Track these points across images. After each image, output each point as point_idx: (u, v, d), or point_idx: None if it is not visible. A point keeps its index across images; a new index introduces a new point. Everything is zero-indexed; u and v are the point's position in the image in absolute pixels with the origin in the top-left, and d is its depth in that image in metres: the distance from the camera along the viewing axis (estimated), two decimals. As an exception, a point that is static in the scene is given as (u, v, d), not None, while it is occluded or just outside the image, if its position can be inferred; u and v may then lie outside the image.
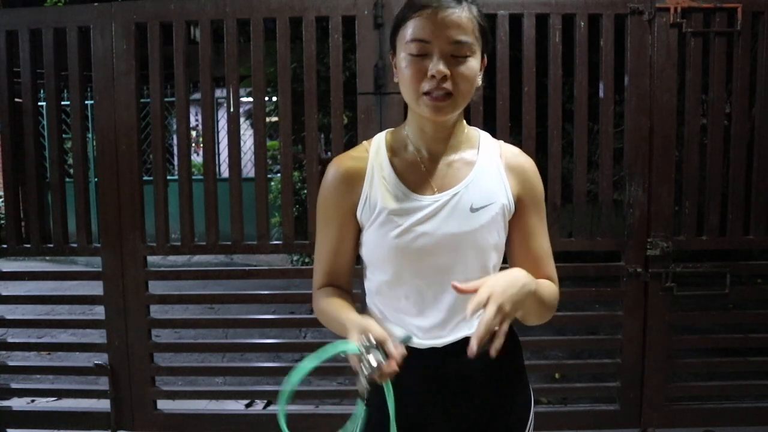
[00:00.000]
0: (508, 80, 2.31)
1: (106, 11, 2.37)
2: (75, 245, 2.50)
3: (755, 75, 2.34)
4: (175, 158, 2.61)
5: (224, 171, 7.23)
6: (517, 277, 0.98)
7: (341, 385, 2.99)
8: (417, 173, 1.10)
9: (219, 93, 4.16)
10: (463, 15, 1.00)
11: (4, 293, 2.58)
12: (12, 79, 2.47)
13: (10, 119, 2.48)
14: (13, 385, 2.70)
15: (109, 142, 2.41)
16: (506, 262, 1.17)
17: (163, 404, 2.57)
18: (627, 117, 2.33)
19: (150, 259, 2.53)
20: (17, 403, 2.73)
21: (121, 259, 2.45)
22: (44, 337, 3.81)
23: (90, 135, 5.35)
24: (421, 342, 1.09)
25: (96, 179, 2.75)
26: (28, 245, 2.53)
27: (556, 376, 3.29)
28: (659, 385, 2.41)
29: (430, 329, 1.09)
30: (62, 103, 2.57)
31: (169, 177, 2.53)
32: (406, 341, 0.98)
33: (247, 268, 2.50)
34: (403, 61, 1.03)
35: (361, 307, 1.20)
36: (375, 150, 1.12)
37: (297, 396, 2.69)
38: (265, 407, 2.83)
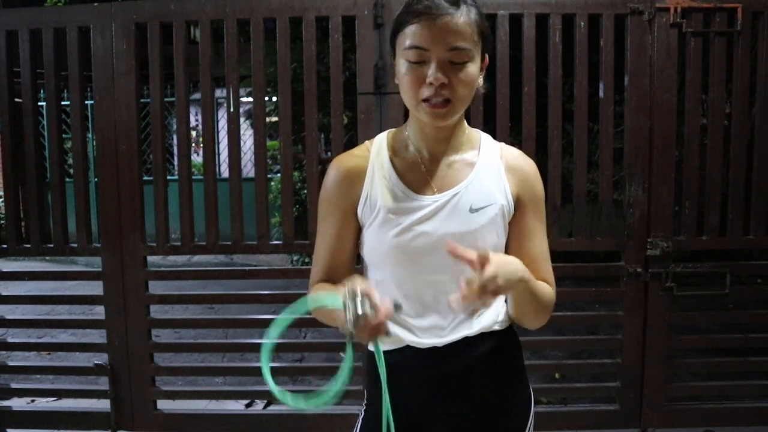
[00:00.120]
0: (508, 80, 2.31)
1: (106, 11, 2.37)
2: (75, 245, 2.50)
3: (755, 75, 2.34)
4: (175, 158, 2.61)
5: (224, 171, 7.23)
6: (513, 260, 1.00)
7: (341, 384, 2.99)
8: (417, 173, 1.10)
9: (219, 93, 4.16)
10: (460, 20, 0.99)
11: (4, 293, 2.58)
12: (12, 79, 2.47)
13: (10, 119, 2.48)
14: (13, 385, 2.70)
15: (109, 142, 2.41)
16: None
17: (163, 404, 2.57)
18: (627, 117, 2.33)
19: (150, 259, 2.53)
20: (17, 403, 2.73)
21: (121, 259, 2.45)
22: (44, 337, 3.81)
23: (90, 135, 5.35)
24: (420, 341, 1.10)
25: (96, 179, 2.75)
26: (28, 245, 2.53)
27: (556, 376, 3.29)
28: (659, 385, 2.41)
29: (430, 329, 1.09)
30: (62, 103, 2.57)
31: (169, 177, 2.53)
32: (396, 307, 0.97)
33: (247, 268, 2.50)
34: (402, 66, 1.03)
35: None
36: (376, 149, 1.13)
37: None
38: (265, 407, 2.83)
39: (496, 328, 1.13)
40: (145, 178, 2.51)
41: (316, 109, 2.37)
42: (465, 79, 1.01)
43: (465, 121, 1.14)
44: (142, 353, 2.48)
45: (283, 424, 2.49)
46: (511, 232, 1.13)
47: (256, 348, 2.59)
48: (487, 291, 0.90)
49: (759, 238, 2.38)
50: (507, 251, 1.16)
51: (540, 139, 2.33)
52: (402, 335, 1.10)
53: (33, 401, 2.80)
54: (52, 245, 2.52)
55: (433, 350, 1.10)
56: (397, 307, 0.98)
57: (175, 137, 2.51)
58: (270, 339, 0.94)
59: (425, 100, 1.01)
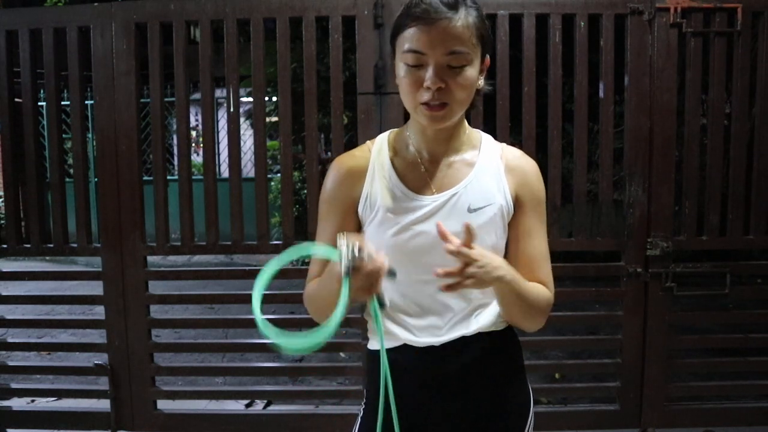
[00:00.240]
0: (508, 80, 2.31)
1: (106, 11, 2.37)
2: (75, 245, 2.50)
3: (755, 75, 2.34)
4: (175, 158, 2.61)
5: (224, 171, 7.23)
6: (499, 259, 1.01)
7: (341, 385, 3.00)
8: (417, 173, 1.10)
9: (219, 93, 4.16)
10: (458, 24, 0.99)
11: (4, 293, 2.58)
12: (12, 79, 2.47)
13: (10, 119, 2.48)
14: (13, 385, 2.70)
15: (109, 142, 2.41)
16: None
17: (163, 404, 2.57)
18: (627, 117, 2.33)
19: (150, 259, 2.53)
20: (17, 403, 2.73)
21: (121, 259, 2.45)
22: (44, 337, 3.81)
23: (90, 135, 5.36)
24: (417, 340, 1.10)
25: (96, 179, 2.75)
26: (28, 245, 2.53)
27: (556, 376, 3.29)
28: (659, 385, 2.41)
29: (427, 328, 1.10)
30: (62, 103, 2.57)
31: (169, 177, 2.53)
32: (391, 273, 0.96)
33: (247, 268, 2.50)
34: (400, 69, 1.04)
35: (361, 307, 1.20)
36: (377, 149, 1.13)
37: (297, 396, 2.69)
38: (265, 407, 2.83)
39: (495, 328, 1.13)
40: (145, 178, 2.51)
41: (316, 109, 2.37)
42: (462, 82, 1.01)
43: (466, 122, 1.14)
44: (142, 353, 2.48)
45: (283, 424, 2.49)
46: (510, 232, 1.13)
47: (256, 348, 2.60)
48: (466, 272, 0.92)
49: (759, 238, 2.38)
50: (506, 252, 1.16)
51: (540, 139, 2.33)
52: (399, 334, 1.11)
53: (33, 401, 2.80)
54: (52, 245, 2.52)
55: (431, 349, 1.10)
56: (392, 273, 0.96)
57: (175, 137, 2.51)
58: (261, 280, 0.93)
59: (423, 104, 1.02)
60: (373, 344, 1.17)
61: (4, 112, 2.46)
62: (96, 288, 2.50)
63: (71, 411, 2.58)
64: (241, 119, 2.90)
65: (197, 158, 7.14)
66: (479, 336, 1.11)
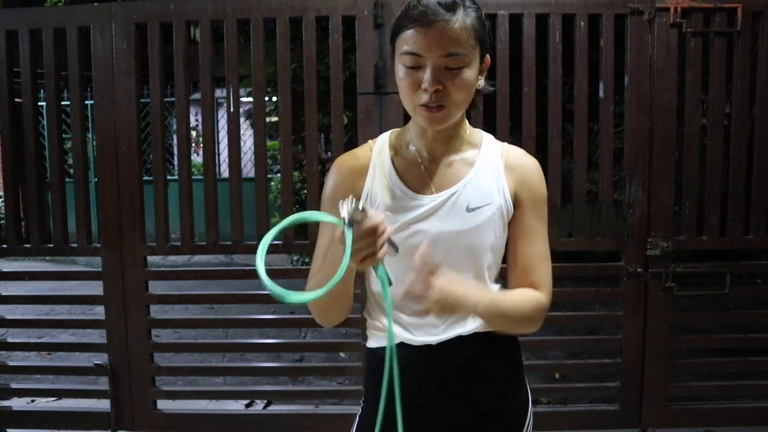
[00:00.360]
0: (508, 80, 2.31)
1: (106, 11, 2.37)
2: (75, 245, 2.50)
3: (755, 75, 2.34)
4: (175, 158, 2.61)
5: (224, 171, 7.23)
6: (466, 289, 1.00)
7: (341, 385, 3.00)
8: (417, 173, 1.11)
9: (219, 93, 4.16)
10: (456, 26, 0.98)
11: (4, 293, 2.58)
12: (12, 79, 2.47)
13: (10, 119, 2.48)
14: (13, 385, 2.70)
15: (109, 142, 2.41)
16: (506, 263, 1.16)
17: (163, 404, 2.57)
18: (627, 117, 2.33)
19: (150, 259, 2.53)
20: (17, 403, 2.73)
21: (121, 259, 2.45)
22: (44, 337, 3.82)
23: (90, 135, 5.36)
24: (414, 339, 1.10)
25: (96, 179, 2.75)
26: (28, 245, 2.53)
27: (556, 376, 3.29)
28: (659, 385, 2.41)
29: (424, 326, 1.10)
30: (62, 103, 2.57)
31: (169, 177, 2.53)
32: (393, 245, 0.95)
33: (247, 268, 2.49)
34: (399, 71, 1.04)
35: (362, 307, 1.20)
36: (378, 149, 1.14)
37: (297, 396, 2.69)
38: (265, 407, 2.83)
39: (492, 328, 1.13)
40: (145, 178, 2.51)
41: (316, 109, 2.37)
42: (460, 84, 1.01)
43: (467, 122, 1.15)
44: (142, 353, 2.48)
45: (283, 424, 2.49)
46: (510, 231, 1.13)
47: (256, 348, 2.60)
48: (424, 296, 0.93)
49: (759, 238, 2.38)
50: (506, 251, 1.16)
51: (540, 139, 2.33)
52: (396, 332, 1.10)
53: (33, 401, 2.80)
54: (52, 245, 2.52)
55: (427, 348, 1.10)
56: (393, 245, 0.95)
57: (175, 137, 2.51)
58: (265, 243, 0.91)
59: (422, 105, 1.02)
60: (372, 342, 1.17)
61: (4, 112, 2.46)
62: (96, 288, 2.50)
63: (71, 411, 2.58)
64: (241, 119, 2.90)
65: (197, 158, 7.15)
66: (476, 336, 1.11)
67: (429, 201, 1.08)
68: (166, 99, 2.54)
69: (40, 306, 3.95)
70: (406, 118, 1.15)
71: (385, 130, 1.20)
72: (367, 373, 1.20)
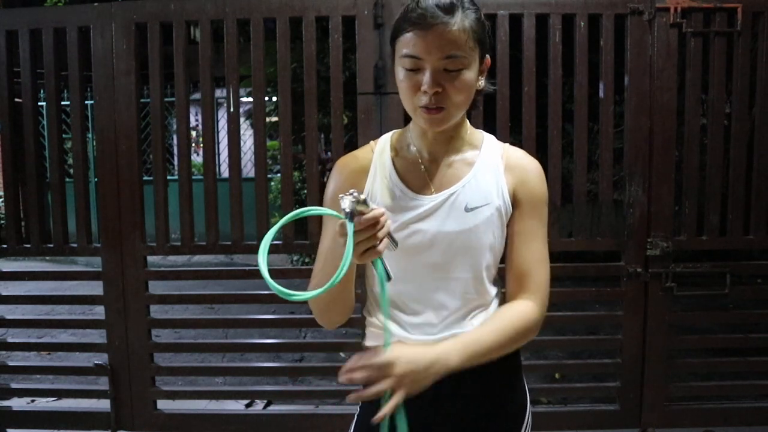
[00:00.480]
0: (508, 80, 2.31)
1: (106, 11, 2.37)
2: (75, 245, 2.50)
3: (755, 75, 2.34)
4: (175, 158, 2.61)
5: (224, 171, 7.23)
6: (436, 353, 0.96)
7: (341, 385, 2.99)
8: (417, 173, 1.11)
9: (219, 93, 4.16)
10: (454, 29, 0.98)
11: (4, 293, 2.58)
12: (12, 79, 2.47)
13: (10, 119, 2.48)
14: (13, 385, 2.70)
15: (109, 142, 2.41)
16: (504, 262, 1.16)
17: (163, 404, 2.57)
18: (627, 117, 2.33)
19: (150, 259, 2.53)
20: (17, 403, 2.73)
21: (121, 259, 2.45)
22: (44, 337, 3.82)
23: (90, 135, 5.36)
24: (409, 337, 1.10)
25: (96, 179, 2.75)
26: (28, 245, 2.53)
27: (556, 376, 3.29)
28: (659, 385, 2.41)
29: (421, 325, 1.10)
30: (62, 103, 2.57)
31: (169, 177, 2.53)
32: (393, 238, 0.95)
33: (247, 268, 2.50)
34: (399, 73, 1.04)
35: (362, 307, 1.20)
36: (380, 149, 1.15)
37: (297, 396, 2.69)
38: (265, 407, 2.83)
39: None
40: (145, 178, 2.51)
41: (316, 109, 2.37)
42: (459, 86, 1.02)
43: (467, 122, 1.15)
44: (142, 353, 2.48)
45: (283, 424, 2.49)
46: (508, 231, 1.13)
47: (256, 348, 2.60)
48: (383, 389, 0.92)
49: (759, 238, 2.38)
50: (505, 251, 1.16)
51: (540, 139, 2.33)
52: (392, 330, 1.10)
53: (33, 401, 2.80)
54: (52, 245, 2.52)
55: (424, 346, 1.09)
56: (393, 239, 0.95)
57: (175, 137, 2.51)
58: (266, 242, 0.92)
59: (422, 107, 1.02)
60: (369, 341, 1.17)
61: (4, 112, 2.46)
62: (96, 288, 2.50)
63: (71, 411, 2.58)
64: (241, 119, 2.89)
65: (197, 158, 7.15)
66: None
67: (428, 201, 1.08)
68: (166, 99, 2.54)
69: (40, 306, 3.95)
70: (407, 119, 1.15)
71: (386, 130, 1.21)
72: None
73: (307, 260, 6.18)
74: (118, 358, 2.49)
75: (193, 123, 4.42)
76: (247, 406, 2.85)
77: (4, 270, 2.59)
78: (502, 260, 1.15)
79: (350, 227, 0.88)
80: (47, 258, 5.60)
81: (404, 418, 0.95)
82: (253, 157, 2.50)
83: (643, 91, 2.31)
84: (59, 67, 2.44)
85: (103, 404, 2.54)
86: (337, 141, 2.39)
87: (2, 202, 6.11)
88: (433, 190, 1.10)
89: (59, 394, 2.77)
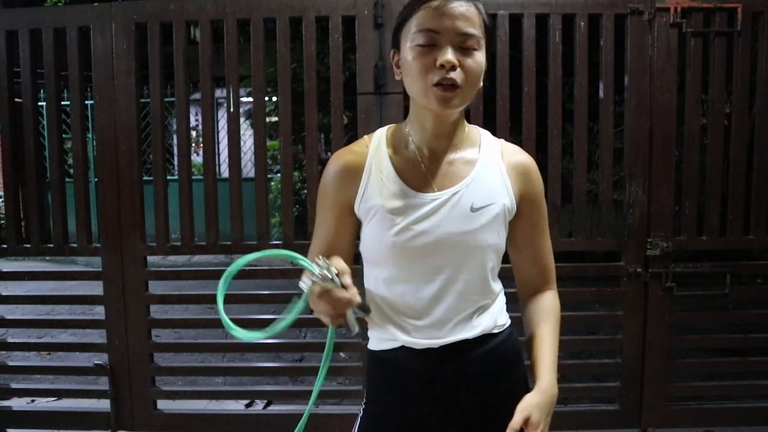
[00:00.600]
0: (508, 80, 2.31)
1: (106, 11, 2.37)
2: (75, 245, 2.50)
3: (755, 75, 2.34)
4: (175, 158, 2.61)
5: (224, 171, 7.23)
6: (544, 398, 1.06)
7: (341, 385, 3.00)
8: (417, 171, 1.09)
9: (219, 93, 4.16)
10: (472, 8, 1.01)
11: (4, 293, 2.58)
12: (12, 79, 2.47)
13: (10, 119, 2.48)
14: (13, 385, 2.70)
15: (109, 142, 2.41)
16: (505, 262, 1.17)
17: (163, 404, 2.57)
18: (627, 117, 2.33)
19: (150, 259, 2.53)
20: (17, 403, 2.72)
21: (121, 259, 2.45)
22: (44, 337, 3.81)
23: (90, 135, 5.35)
24: (415, 342, 1.09)
25: (96, 179, 2.75)
26: (28, 245, 2.53)
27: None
28: (659, 385, 2.41)
29: (426, 329, 1.08)
30: (62, 103, 2.57)
31: (169, 177, 2.53)
32: (365, 308, 0.99)
33: (246, 268, 2.48)
34: (410, 53, 1.02)
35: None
36: (375, 145, 1.12)
37: (297, 396, 2.69)
38: (265, 407, 2.83)
39: (495, 331, 1.13)
40: (145, 178, 2.51)
41: (316, 109, 2.37)
42: (474, 66, 1.01)
43: (465, 119, 1.14)
44: (142, 353, 2.48)
45: (283, 424, 2.49)
46: (516, 231, 1.13)
47: (256, 348, 2.60)
48: None
49: (759, 238, 2.38)
50: (513, 251, 1.16)
51: (540, 139, 2.33)
52: (397, 335, 1.10)
53: (33, 401, 2.80)
54: (52, 245, 2.52)
55: (429, 351, 1.09)
56: (366, 308, 0.98)
57: (175, 137, 2.51)
58: (231, 270, 0.97)
59: (435, 85, 1.00)
60: (373, 344, 1.16)
61: (4, 112, 2.46)
62: (96, 288, 2.50)
63: (71, 411, 2.58)
64: (241, 119, 2.89)
65: (197, 158, 7.14)
66: (481, 339, 1.10)
67: (431, 200, 1.06)
68: (166, 99, 2.54)
69: (40, 306, 3.95)
70: (407, 117, 1.15)
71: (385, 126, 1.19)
72: (369, 376, 1.20)
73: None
74: (118, 358, 2.49)
75: (193, 123, 4.41)
76: (247, 406, 2.85)
77: (4, 270, 2.58)
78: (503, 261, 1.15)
79: (302, 301, 0.94)
80: (47, 258, 5.58)
81: None
82: (253, 157, 2.50)
83: (643, 91, 2.30)
84: (59, 67, 2.44)
85: (103, 404, 2.54)
86: (337, 141, 2.39)
87: (2, 202, 6.11)
88: (435, 188, 1.07)
89: (59, 394, 2.77)
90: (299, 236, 2.47)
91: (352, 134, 3.82)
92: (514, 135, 2.27)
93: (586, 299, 3.64)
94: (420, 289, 1.08)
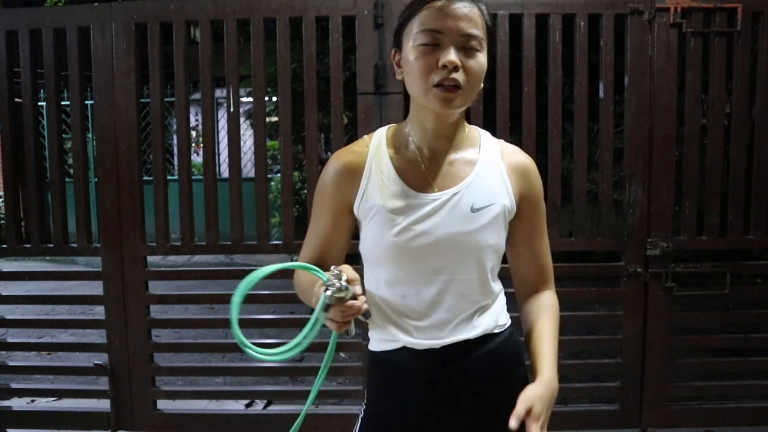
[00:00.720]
0: (508, 80, 2.31)
1: (106, 11, 2.37)
2: (75, 245, 2.50)
3: (755, 75, 2.34)
4: (175, 158, 2.61)
5: (224, 171, 7.23)
6: (546, 388, 1.04)
7: (341, 385, 2.99)
8: (417, 171, 1.09)
9: (219, 93, 4.16)
10: (475, 9, 1.02)
11: (4, 293, 2.58)
12: (12, 79, 2.47)
13: (10, 119, 2.48)
14: (13, 385, 2.70)
15: (109, 142, 2.41)
16: (505, 262, 1.17)
17: (163, 404, 2.57)
18: (627, 117, 2.33)
19: (150, 259, 2.53)
20: (17, 403, 2.73)
21: (121, 259, 2.45)
22: (44, 337, 3.82)
23: (90, 135, 5.35)
24: (417, 342, 1.09)
25: (96, 179, 2.75)
26: (28, 245, 2.53)
27: (556, 376, 3.28)
28: (659, 385, 2.41)
29: (428, 330, 1.08)
30: (62, 103, 2.57)
31: (169, 177, 2.53)
32: (366, 314, 0.98)
33: (247, 268, 2.48)
34: (412, 52, 1.02)
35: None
36: (375, 145, 1.12)
37: (297, 396, 2.69)
38: (265, 407, 2.83)
39: (496, 331, 1.13)
40: (145, 178, 2.51)
41: (316, 109, 2.37)
42: (476, 67, 1.02)
43: (465, 120, 1.14)
44: (142, 353, 2.48)
45: (283, 424, 2.48)
46: (517, 231, 1.13)
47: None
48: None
49: (759, 238, 2.38)
50: (512, 251, 1.16)
51: (540, 139, 2.33)
52: (398, 336, 1.10)
53: (33, 401, 2.80)
54: (52, 245, 2.52)
55: (431, 351, 1.09)
56: (367, 314, 0.98)
57: (175, 137, 2.51)
58: (242, 290, 0.97)
59: (437, 86, 1.00)
60: (373, 345, 1.16)
61: (4, 112, 2.46)
62: (96, 288, 2.50)
63: (71, 411, 2.58)
64: (241, 119, 2.89)
65: (197, 158, 7.14)
66: (482, 339, 1.10)
67: (431, 200, 1.06)
68: (166, 99, 2.54)
69: (40, 306, 3.95)
70: (407, 117, 1.15)
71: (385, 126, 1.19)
72: (369, 377, 1.20)
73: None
74: (118, 358, 2.49)
75: (193, 123, 4.41)
76: (247, 406, 2.85)
77: (4, 270, 2.58)
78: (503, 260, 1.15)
79: (319, 319, 0.95)
80: (47, 258, 5.58)
81: None
82: (253, 157, 2.50)
83: (643, 91, 2.30)
84: (59, 67, 2.44)
85: (103, 404, 2.54)
86: (337, 141, 2.39)
87: (2, 202, 6.11)
88: (435, 188, 1.07)
89: (59, 394, 2.77)
90: (299, 236, 2.45)
91: (352, 134, 3.83)
92: (514, 135, 2.27)
93: (586, 299, 3.64)
94: (421, 290, 1.08)
